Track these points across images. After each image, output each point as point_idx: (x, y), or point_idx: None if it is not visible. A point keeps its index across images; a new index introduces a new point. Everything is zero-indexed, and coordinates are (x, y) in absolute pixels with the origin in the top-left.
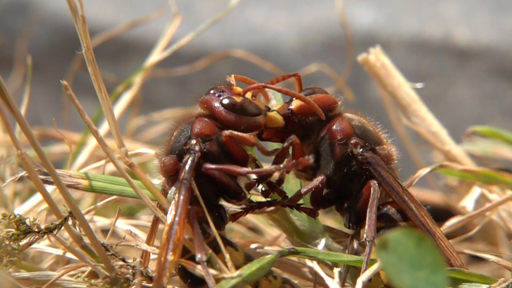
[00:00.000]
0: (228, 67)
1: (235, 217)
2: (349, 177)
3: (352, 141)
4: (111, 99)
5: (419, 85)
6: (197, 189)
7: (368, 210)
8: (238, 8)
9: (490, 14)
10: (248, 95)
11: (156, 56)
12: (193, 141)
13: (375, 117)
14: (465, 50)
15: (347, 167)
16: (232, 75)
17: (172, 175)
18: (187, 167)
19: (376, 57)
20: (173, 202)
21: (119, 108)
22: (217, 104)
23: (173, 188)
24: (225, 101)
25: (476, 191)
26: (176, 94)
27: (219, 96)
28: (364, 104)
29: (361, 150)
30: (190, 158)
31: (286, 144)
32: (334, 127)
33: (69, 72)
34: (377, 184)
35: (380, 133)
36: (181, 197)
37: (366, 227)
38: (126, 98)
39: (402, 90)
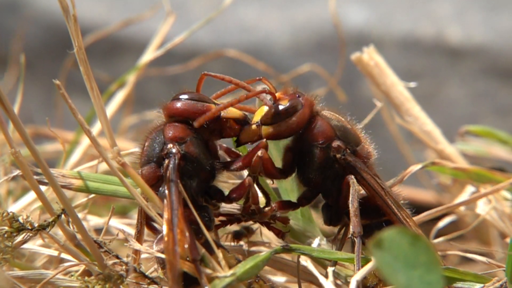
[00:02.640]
0: (221, 66)
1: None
2: (330, 177)
3: (334, 145)
4: (104, 98)
5: (412, 84)
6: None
7: (350, 206)
8: (231, 7)
9: (482, 13)
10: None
11: (149, 55)
12: (169, 145)
13: (367, 116)
14: (457, 49)
15: (328, 169)
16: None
17: (153, 184)
18: (170, 167)
19: (370, 56)
20: (166, 199)
21: (112, 107)
22: (171, 103)
23: (161, 190)
24: (177, 97)
25: (469, 190)
26: (168, 92)
27: (174, 97)
28: (357, 103)
29: (343, 154)
30: (172, 161)
31: (254, 149)
32: (314, 129)
33: (62, 70)
34: (354, 178)
35: (358, 131)
36: (172, 191)
37: (351, 223)
38: (119, 97)
39: (395, 89)
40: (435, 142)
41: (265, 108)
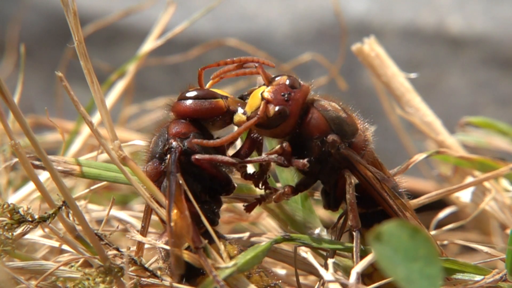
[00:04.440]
0: (221, 54)
1: (249, 208)
2: (325, 168)
3: (329, 140)
4: (105, 87)
5: (413, 75)
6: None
7: (347, 200)
8: None
9: (483, 2)
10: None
11: (149, 44)
12: (171, 141)
13: (368, 106)
14: (458, 39)
15: (323, 162)
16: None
17: (157, 180)
18: (170, 162)
19: (370, 47)
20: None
21: (112, 97)
22: (176, 102)
23: (163, 185)
24: (182, 95)
25: (470, 180)
26: (169, 82)
27: (179, 96)
28: (357, 93)
29: (338, 148)
30: (172, 155)
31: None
32: (309, 123)
33: (62, 58)
34: (350, 172)
35: (354, 119)
36: (172, 181)
37: (348, 217)
38: (119, 87)
39: (396, 80)
40: (436, 133)
41: (259, 91)
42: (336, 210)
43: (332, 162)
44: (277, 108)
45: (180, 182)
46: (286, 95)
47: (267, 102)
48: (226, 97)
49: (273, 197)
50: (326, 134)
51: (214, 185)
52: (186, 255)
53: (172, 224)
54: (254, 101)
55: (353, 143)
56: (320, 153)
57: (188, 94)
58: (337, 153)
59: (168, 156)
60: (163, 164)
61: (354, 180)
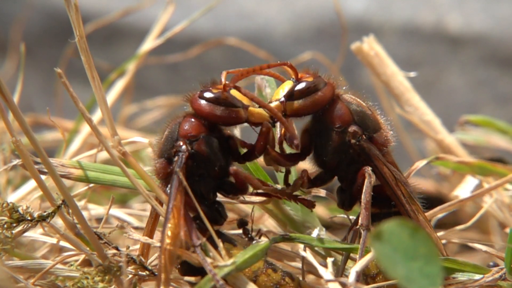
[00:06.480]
0: (221, 53)
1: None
2: (345, 161)
3: (350, 130)
4: (104, 86)
5: (412, 74)
6: (190, 189)
7: (362, 197)
8: None
9: (482, 1)
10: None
11: (149, 43)
12: (180, 143)
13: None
14: (457, 37)
15: (344, 153)
16: (224, 72)
17: (164, 179)
18: (176, 168)
19: (370, 46)
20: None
21: (112, 96)
22: (195, 99)
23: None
24: (202, 94)
25: (469, 180)
26: (168, 81)
27: (200, 91)
28: (357, 91)
29: (358, 140)
30: (178, 160)
31: (261, 133)
32: (333, 112)
33: (62, 57)
34: (370, 170)
35: (378, 116)
36: (173, 189)
37: (361, 215)
38: (119, 86)
39: (396, 79)
40: (435, 132)
41: (287, 85)
42: (349, 210)
43: (352, 155)
44: (315, 77)
45: (184, 185)
46: (319, 75)
47: (301, 78)
48: (247, 107)
49: (290, 188)
50: (349, 124)
51: (225, 186)
52: (185, 254)
53: (168, 225)
54: (283, 87)
55: (374, 138)
56: (340, 144)
57: (209, 95)
58: (357, 145)
59: (176, 158)
60: (171, 165)
61: (373, 179)
